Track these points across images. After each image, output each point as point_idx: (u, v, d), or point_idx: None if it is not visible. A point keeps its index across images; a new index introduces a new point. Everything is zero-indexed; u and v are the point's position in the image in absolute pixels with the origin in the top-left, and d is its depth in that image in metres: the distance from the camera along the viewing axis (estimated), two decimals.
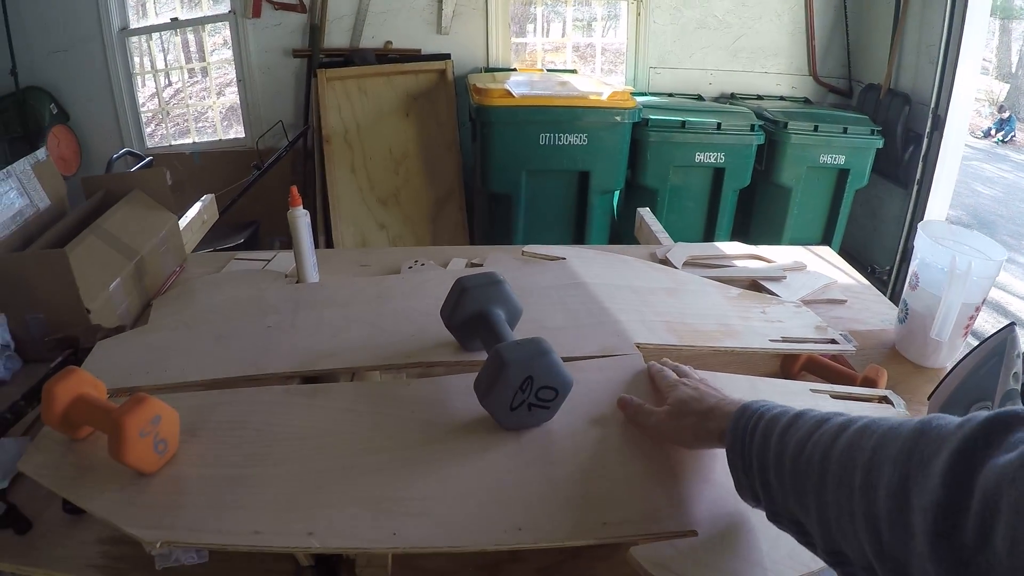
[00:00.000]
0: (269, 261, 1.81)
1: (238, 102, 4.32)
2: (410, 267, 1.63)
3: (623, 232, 3.71)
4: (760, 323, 1.24)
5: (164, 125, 4.68)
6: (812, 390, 1.04)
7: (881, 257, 4.09)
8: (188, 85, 5.37)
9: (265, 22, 3.97)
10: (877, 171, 3.82)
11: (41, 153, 1.63)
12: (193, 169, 4.17)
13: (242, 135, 4.33)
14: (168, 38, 4.59)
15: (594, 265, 1.36)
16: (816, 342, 1.20)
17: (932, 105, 3.64)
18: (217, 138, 4.57)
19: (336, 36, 4.00)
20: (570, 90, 3.36)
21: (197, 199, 2.01)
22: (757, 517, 0.73)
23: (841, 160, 3.65)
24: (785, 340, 1.19)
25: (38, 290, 1.31)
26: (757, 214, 3.93)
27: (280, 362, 1.03)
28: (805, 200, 3.75)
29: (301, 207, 1.51)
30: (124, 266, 1.45)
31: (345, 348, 1.05)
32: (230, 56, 4.24)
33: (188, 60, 4.71)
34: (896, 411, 1.02)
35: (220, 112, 4.83)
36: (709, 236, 3.72)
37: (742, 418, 0.71)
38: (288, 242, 1.50)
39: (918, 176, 3.76)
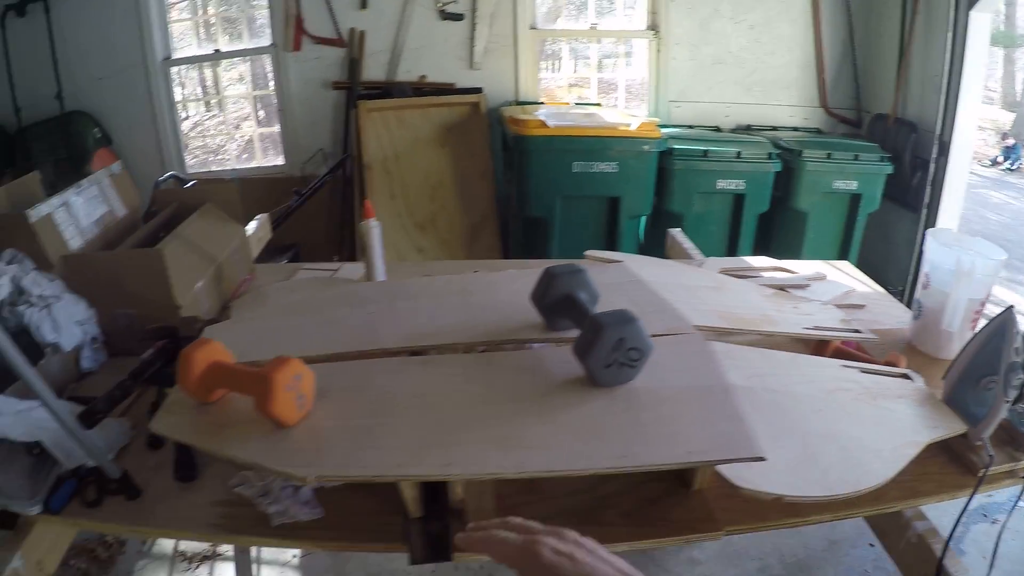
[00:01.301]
0: (336, 271, 1.94)
1: (277, 131, 4.51)
2: (475, 271, 1.77)
3: (651, 254, 3.80)
4: (794, 315, 1.41)
5: (203, 149, 4.83)
6: (843, 365, 1.21)
7: (894, 277, 4.23)
8: (211, 116, 5.51)
9: (305, 55, 4.17)
10: (888, 196, 3.96)
11: (116, 167, 1.72)
12: None
13: (280, 162, 4.53)
14: (186, 73, 4.70)
15: (647, 267, 1.53)
16: (843, 331, 1.37)
17: (938, 132, 3.81)
18: (256, 165, 4.73)
19: (373, 70, 4.20)
20: (599, 121, 3.54)
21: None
22: (814, 448, 0.87)
23: (854, 186, 3.80)
24: (817, 329, 1.35)
25: (130, 287, 1.37)
26: (776, 238, 4.06)
27: (387, 340, 1.17)
28: (820, 224, 3.89)
29: (374, 219, 1.67)
30: (206, 269, 1.54)
31: (444, 330, 1.20)
32: (250, 89, 4.28)
33: (217, 92, 4.88)
34: (915, 384, 1.19)
35: (258, 140, 5.01)
36: None
37: None
38: None
39: (926, 200, 3.91)
